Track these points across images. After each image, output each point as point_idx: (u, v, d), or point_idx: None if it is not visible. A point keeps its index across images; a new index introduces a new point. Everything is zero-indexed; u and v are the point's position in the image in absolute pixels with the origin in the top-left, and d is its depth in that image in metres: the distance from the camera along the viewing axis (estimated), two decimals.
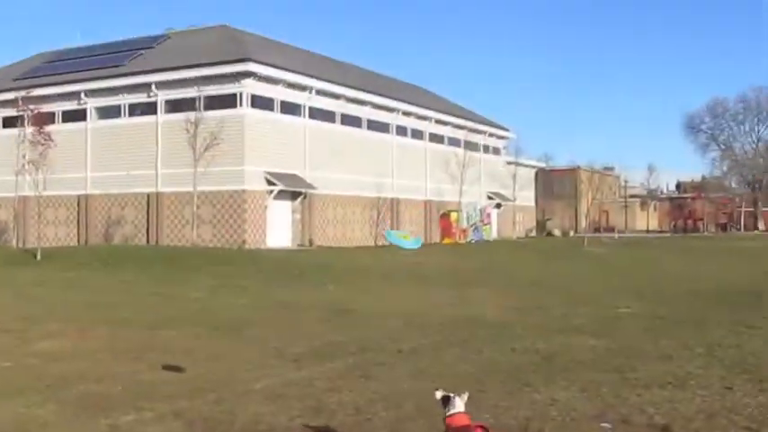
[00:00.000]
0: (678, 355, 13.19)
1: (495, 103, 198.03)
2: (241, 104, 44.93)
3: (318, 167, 49.37)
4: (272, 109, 46.85)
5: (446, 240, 62.72)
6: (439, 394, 6.96)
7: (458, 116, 67.77)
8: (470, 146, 66.36)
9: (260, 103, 45.86)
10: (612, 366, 12.23)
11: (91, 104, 50.11)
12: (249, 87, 44.93)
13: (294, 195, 48.22)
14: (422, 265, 34.33)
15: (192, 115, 42.89)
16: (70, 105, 50.78)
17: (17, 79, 54.77)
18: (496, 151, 75.55)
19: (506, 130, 77.06)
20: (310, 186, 48.35)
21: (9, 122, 50.91)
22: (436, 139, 64.05)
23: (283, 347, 13.88)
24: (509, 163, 75.40)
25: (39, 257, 33.04)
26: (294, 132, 48.32)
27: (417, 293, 23.93)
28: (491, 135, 73.70)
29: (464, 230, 65.08)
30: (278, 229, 47.10)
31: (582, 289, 25.65)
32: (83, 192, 50.13)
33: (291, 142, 47.95)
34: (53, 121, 48.95)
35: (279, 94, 47.12)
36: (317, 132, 50.05)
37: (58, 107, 50.81)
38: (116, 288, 24.23)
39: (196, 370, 11.85)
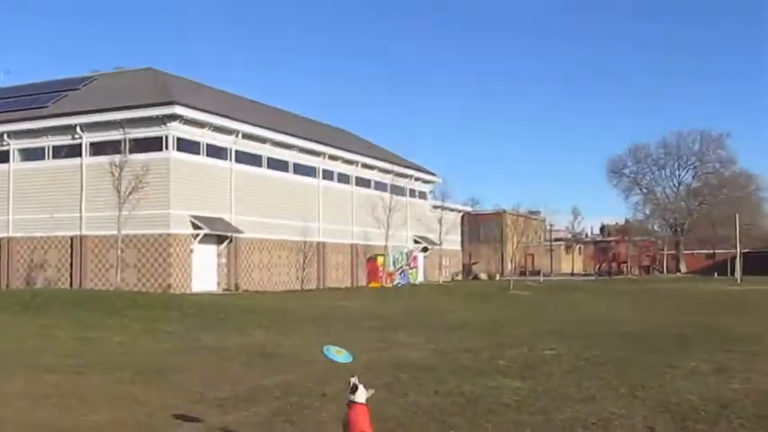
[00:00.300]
0: (602, 396, 13.36)
1: (420, 147, 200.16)
2: (167, 147, 44.63)
3: (244, 211, 49.24)
4: (198, 152, 46.64)
5: (372, 284, 62.76)
6: (353, 380, 8.50)
7: (384, 160, 68.32)
8: (397, 190, 66.73)
9: (186, 146, 45.63)
10: (537, 408, 12.33)
11: (14, 146, 49.34)
12: (175, 130, 44.68)
13: (220, 239, 47.92)
14: (348, 309, 34.25)
15: (116, 158, 42.42)
16: None
17: None
18: (423, 195, 76.14)
19: (433, 174, 77.72)
20: (236, 230, 48.12)
21: None
22: (362, 183, 64.37)
23: (207, 392, 13.71)
24: (435, 207, 75.93)
25: None
26: (220, 176, 48.14)
27: (343, 337, 23.76)
28: (417, 179, 74.31)
29: (390, 274, 65.23)
30: (203, 273, 46.73)
31: (508, 331, 25.80)
32: (4, 234, 49.11)
33: (217, 186, 47.74)
34: None
35: (205, 137, 46.96)
36: (244, 176, 49.94)
37: None
38: (37, 332, 23.65)
39: (117, 416, 11.64)
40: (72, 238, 46.31)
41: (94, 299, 32.63)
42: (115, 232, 42.24)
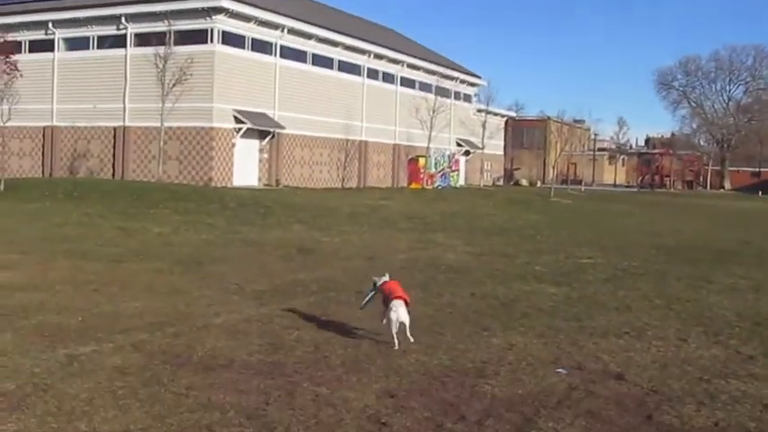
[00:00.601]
0: (636, 306, 13.31)
1: (467, 51, 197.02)
2: (212, 40, 44.42)
3: (288, 108, 49.12)
4: (243, 46, 46.39)
5: (413, 185, 62.72)
6: (374, 279, 10.38)
7: (430, 61, 67.51)
8: (441, 92, 66.01)
9: (231, 39, 45.38)
10: (571, 315, 12.33)
11: (59, 35, 49.27)
12: (220, 23, 44.39)
13: (262, 134, 47.95)
14: (387, 208, 34.33)
15: (161, 50, 42.42)
16: (37, 35, 49.90)
17: None
18: (467, 98, 75.44)
19: (478, 77, 76.85)
20: (279, 126, 48.10)
21: None
22: (407, 83, 63.75)
23: (245, 284, 13.87)
24: (479, 111, 75.17)
25: (2, 188, 32.65)
26: (265, 71, 47.92)
27: (381, 236, 23.97)
28: (462, 82, 73.51)
29: (431, 176, 65.07)
30: (245, 167, 46.93)
31: (546, 238, 25.76)
32: (48, 123, 49.47)
33: (262, 81, 47.56)
34: (19, 51, 48.34)
35: (251, 31, 46.64)
36: (288, 72, 49.68)
37: (25, 36, 49.95)
38: (79, 221, 24.03)
39: (155, 303, 11.83)
40: (115, 129, 46.57)
41: (136, 190, 33.01)
42: (158, 124, 42.49)
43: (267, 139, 48.27)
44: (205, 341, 9.59)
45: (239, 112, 45.33)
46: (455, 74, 71.55)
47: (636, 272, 17.90)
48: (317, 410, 7.15)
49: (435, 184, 64.90)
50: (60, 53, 49.38)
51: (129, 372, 8.17)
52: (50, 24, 49.07)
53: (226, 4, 43.84)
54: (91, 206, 27.75)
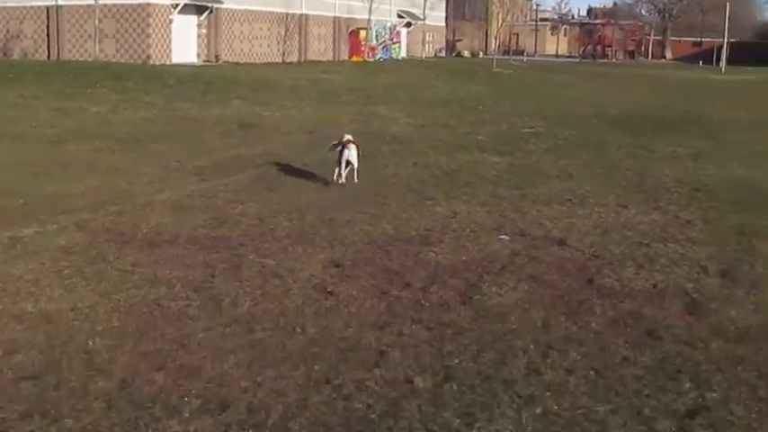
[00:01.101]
0: (578, 175, 13.51)
1: None
2: None
3: None
4: None
5: (354, 58, 61.91)
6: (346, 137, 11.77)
7: None
8: None
9: None
10: (513, 183, 12.49)
11: None
12: None
13: (200, 10, 46.78)
14: (328, 81, 33.90)
15: None
16: None
17: None
18: None
19: None
20: (218, 1, 46.90)
21: None
22: None
23: (186, 161, 13.79)
24: None
25: None
26: None
27: (323, 109, 23.80)
28: None
29: (372, 49, 64.25)
30: (183, 44, 45.87)
31: (488, 109, 25.77)
32: None
33: None
34: None
35: None
36: None
37: None
38: (13, 103, 23.43)
39: (97, 183, 11.71)
40: (48, 8, 45.06)
41: (72, 69, 32.18)
42: (92, 2, 41.27)
43: (205, 14, 47.12)
44: (149, 218, 9.58)
45: None
46: None
47: (577, 141, 18.12)
48: (264, 282, 7.22)
49: (377, 57, 64.12)
50: None
51: (74, 251, 8.13)
52: None
53: None
54: (26, 88, 26.93)
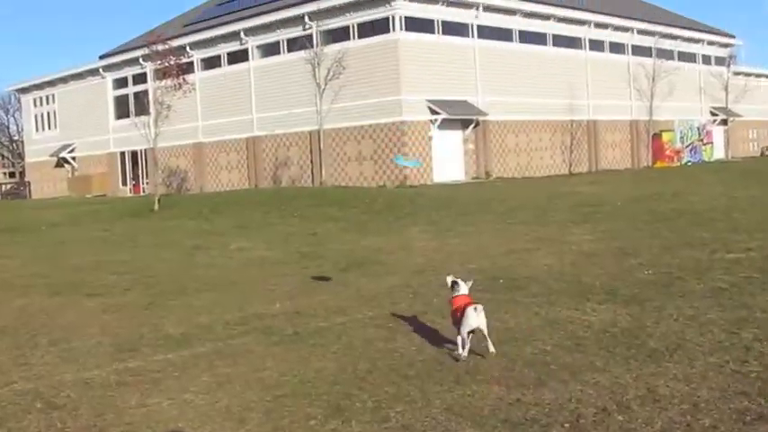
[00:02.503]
0: None
1: (714, 5, 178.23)
2: (393, 29, 40.99)
3: (493, 91, 44.78)
4: (431, 31, 42.60)
5: (658, 163, 56.43)
6: (449, 279, 9.00)
7: (667, 24, 60.36)
8: (685, 57, 59.43)
9: (416, 25, 41.78)
10: None
11: (251, 43, 47.83)
12: (401, 9, 40.92)
13: (465, 124, 43.94)
14: (576, 195, 28.97)
15: (346, 45, 40.08)
16: (233, 47, 48.80)
17: (187, 25, 53.64)
18: (719, 61, 67.13)
19: (731, 36, 68.59)
20: (481, 113, 43.89)
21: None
22: (641, 51, 57.01)
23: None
24: (736, 74, 67.05)
25: (156, 208, 30.91)
26: (461, 55, 43.94)
27: (502, 234, 19.32)
28: (711, 43, 65.61)
29: (678, 152, 58.36)
30: (448, 161, 43.10)
31: (725, 224, 19.63)
32: (250, 134, 48.17)
33: (457, 66, 43.60)
34: (219, 65, 47.80)
35: (439, 13, 42.77)
36: (490, 53, 45.39)
37: (222, 50, 49.23)
38: (180, 237, 21.37)
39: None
40: (310, 133, 44.21)
41: (271, 196, 30.22)
42: (356, 123, 40.37)
43: (470, 128, 44.16)
44: None
45: (433, 102, 41.67)
46: (701, 35, 64.02)
47: None
48: None
49: (683, 161, 58.13)
50: (255, 61, 47.87)
51: None
52: (242, 33, 47.59)
53: None
54: (218, 221, 25.11)
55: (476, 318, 8.16)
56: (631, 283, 11.76)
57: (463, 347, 8.26)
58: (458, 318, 8.34)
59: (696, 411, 6.18)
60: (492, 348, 8.20)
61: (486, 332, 8.24)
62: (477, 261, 14.95)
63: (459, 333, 8.28)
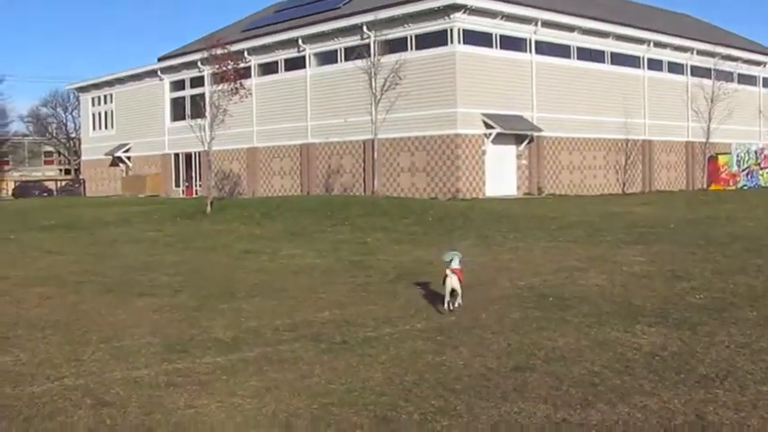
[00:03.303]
0: None
1: None
2: (452, 41, 40.99)
3: (548, 108, 44.60)
4: (489, 44, 42.53)
5: (713, 186, 55.68)
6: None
7: (727, 45, 59.61)
8: (745, 79, 58.65)
9: (474, 39, 41.71)
10: None
11: (309, 51, 48.11)
12: (460, 22, 40.88)
13: (519, 139, 43.78)
14: (627, 216, 28.73)
15: (403, 56, 40.16)
16: (290, 53, 49.14)
17: (245, 30, 54.12)
18: None
19: None
20: (536, 128, 43.71)
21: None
22: (699, 72, 56.17)
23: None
24: None
25: (209, 210, 31.18)
26: (518, 70, 43.81)
27: (560, 252, 19.24)
28: None
29: (734, 175, 57.55)
30: (500, 176, 42.95)
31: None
32: (305, 141, 48.42)
33: (515, 81, 43.48)
34: (276, 71, 48.21)
35: (497, 27, 42.73)
36: (547, 69, 45.16)
37: (279, 56, 49.68)
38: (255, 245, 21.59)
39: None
40: (364, 143, 44.32)
41: (321, 203, 30.33)
42: (403, 134, 40.32)
43: (524, 143, 44.00)
44: None
45: (488, 116, 41.56)
46: (763, 57, 63.08)
47: None
48: None
49: (739, 184, 57.30)
50: (311, 69, 48.13)
51: None
52: (300, 41, 47.91)
53: (463, 1, 40.20)
54: (271, 226, 25.30)
55: (450, 281, 11.79)
56: (682, 307, 11.64)
57: (443, 304, 11.97)
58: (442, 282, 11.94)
59: None
60: (458, 302, 11.99)
61: (459, 293, 11.92)
62: (527, 278, 14.89)
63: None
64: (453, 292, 11.87)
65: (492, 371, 8.44)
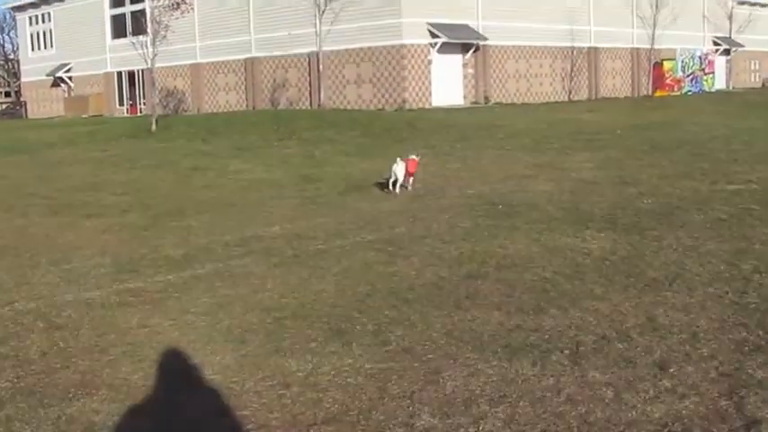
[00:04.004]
0: None
1: None
2: None
3: (494, 16, 44.15)
4: None
5: (658, 93, 56.01)
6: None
7: None
8: None
9: None
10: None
11: None
12: None
13: (465, 48, 43.50)
14: (575, 123, 28.88)
15: None
16: None
17: None
18: None
19: None
20: (481, 37, 43.40)
21: None
22: None
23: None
24: (741, 3, 66.21)
25: (154, 129, 30.73)
26: None
27: (507, 160, 19.29)
28: None
29: (678, 81, 57.89)
30: (447, 86, 42.74)
31: (740, 152, 19.58)
32: (248, 55, 47.71)
33: None
34: None
35: None
36: None
37: None
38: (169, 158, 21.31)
39: None
40: (309, 56, 43.75)
41: (261, 119, 30.00)
42: (348, 46, 39.82)
43: (470, 52, 43.72)
44: None
45: (434, 25, 41.15)
46: None
47: None
48: None
49: (684, 90, 57.71)
50: None
51: None
52: None
53: None
54: (211, 143, 25.02)
55: (395, 166, 14.26)
56: (631, 212, 11.76)
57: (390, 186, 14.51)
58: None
59: (695, 341, 6.21)
60: (398, 187, 14.48)
61: (400, 180, 14.37)
62: (476, 186, 14.95)
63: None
64: (395, 175, 14.18)
65: (444, 279, 8.47)
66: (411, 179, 14.85)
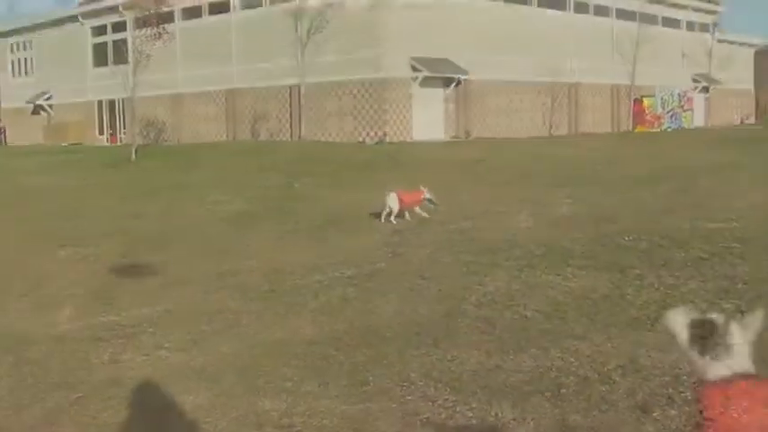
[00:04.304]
0: None
1: None
2: None
3: (475, 51, 44.24)
4: None
5: (638, 128, 56.34)
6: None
7: None
8: (669, 22, 59.08)
9: None
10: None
11: None
12: None
13: (446, 82, 43.59)
14: (549, 158, 28.81)
15: None
16: None
17: None
18: (703, 28, 66.86)
19: (716, 3, 68.15)
20: (462, 71, 43.47)
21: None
22: (626, 15, 56.57)
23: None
24: (720, 41, 66.82)
25: (134, 158, 30.57)
26: (444, 12, 43.31)
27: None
28: (696, 10, 65.20)
29: (658, 117, 58.25)
30: (428, 120, 42.74)
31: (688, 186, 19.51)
32: (230, 86, 47.67)
33: (441, 24, 42.95)
34: (199, 15, 47.34)
35: None
36: (474, 12, 44.78)
37: (203, 0, 48.58)
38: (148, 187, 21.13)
39: None
40: (291, 87, 43.72)
41: (249, 149, 29.86)
42: (330, 78, 39.87)
43: (451, 86, 43.81)
44: None
45: (415, 59, 41.22)
46: (687, 1, 63.52)
47: None
48: None
49: (663, 126, 58.03)
50: (236, 13, 47.27)
51: None
52: None
53: None
54: (185, 173, 24.90)
55: (387, 198, 14.76)
56: (612, 248, 11.66)
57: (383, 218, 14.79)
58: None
59: (677, 383, 6.09)
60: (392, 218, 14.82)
61: (395, 211, 14.77)
62: (457, 221, 14.84)
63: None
64: (389, 207, 14.66)
65: (423, 317, 8.34)
66: (417, 208, 15.45)
